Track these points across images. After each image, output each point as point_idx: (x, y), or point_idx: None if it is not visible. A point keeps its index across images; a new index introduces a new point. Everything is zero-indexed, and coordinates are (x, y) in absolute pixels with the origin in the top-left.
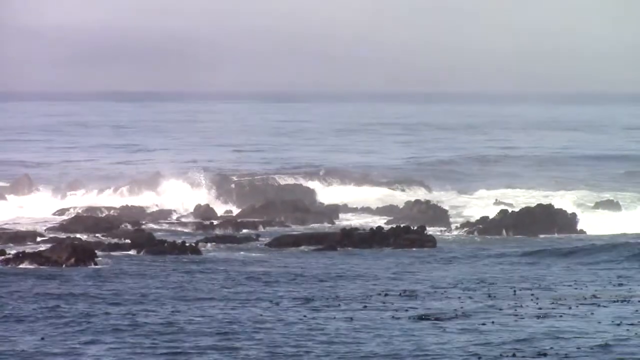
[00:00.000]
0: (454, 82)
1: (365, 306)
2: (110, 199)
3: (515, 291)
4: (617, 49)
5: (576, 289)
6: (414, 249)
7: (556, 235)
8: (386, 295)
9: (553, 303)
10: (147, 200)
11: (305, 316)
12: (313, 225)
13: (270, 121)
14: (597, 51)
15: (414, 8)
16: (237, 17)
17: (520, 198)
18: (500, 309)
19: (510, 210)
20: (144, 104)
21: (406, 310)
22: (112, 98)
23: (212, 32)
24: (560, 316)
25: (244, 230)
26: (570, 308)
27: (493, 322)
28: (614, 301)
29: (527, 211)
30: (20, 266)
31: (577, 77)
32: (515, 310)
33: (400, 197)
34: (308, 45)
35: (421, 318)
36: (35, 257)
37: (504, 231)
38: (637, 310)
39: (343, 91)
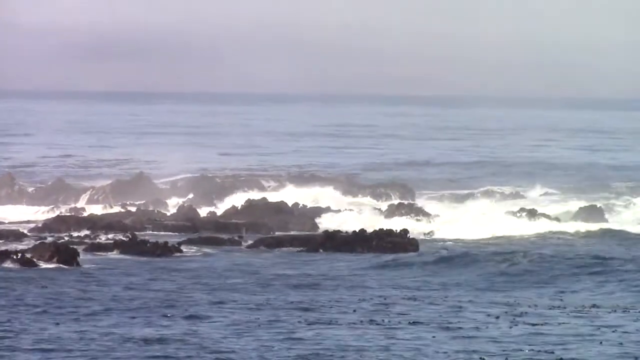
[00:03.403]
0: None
1: (355, 310)
2: (94, 199)
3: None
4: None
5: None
6: (396, 252)
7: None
8: (373, 300)
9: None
10: (131, 200)
11: (300, 321)
12: (296, 227)
13: (260, 122)
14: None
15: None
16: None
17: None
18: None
19: (493, 214)
20: (136, 104)
21: (389, 315)
22: (106, 98)
23: (212, 29)
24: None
25: (227, 232)
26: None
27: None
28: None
29: (508, 215)
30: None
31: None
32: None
33: (384, 200)
34: (308, 45)
35: (412, 324)
36: (17, 255)
37: (483, 235)
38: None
39: (341, 93)
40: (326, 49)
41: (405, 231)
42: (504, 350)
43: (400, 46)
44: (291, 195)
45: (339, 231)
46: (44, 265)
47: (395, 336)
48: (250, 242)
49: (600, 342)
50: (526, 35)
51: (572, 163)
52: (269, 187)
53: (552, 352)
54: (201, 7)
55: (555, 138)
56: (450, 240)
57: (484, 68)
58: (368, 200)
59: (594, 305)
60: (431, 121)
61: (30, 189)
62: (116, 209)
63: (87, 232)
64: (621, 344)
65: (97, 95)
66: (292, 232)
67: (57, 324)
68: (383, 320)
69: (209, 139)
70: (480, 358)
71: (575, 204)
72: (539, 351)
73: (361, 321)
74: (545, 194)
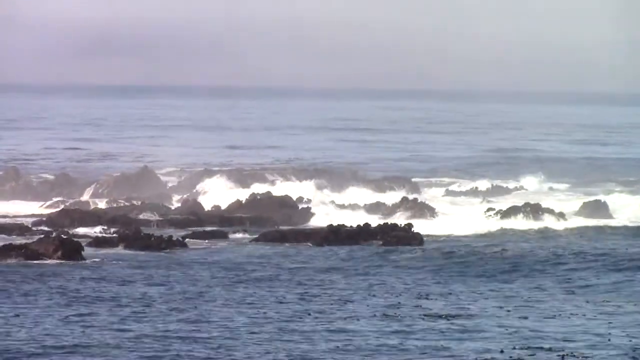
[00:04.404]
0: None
1: (368, 305)
2: (98, 193)
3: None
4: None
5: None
6: (401, 247)
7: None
8: (373, 295)
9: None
10: (135, 194)
11: (309, 313)
12: (300, 221)
13: (264, 117)
14: None
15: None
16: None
17: (509, 196)
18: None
19: (497, 208)
20: (140, 98)
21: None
22: (108, 92)
23: (212, 23)
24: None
25: (231, 226)
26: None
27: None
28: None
29: (512, 210)
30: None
31: None
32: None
33: (388, 194)
34: (309, 39)
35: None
36: (21, 249)
37: (487, 229)
38: None
39: (342, 87)
40: (328, 45)
41: (409, 225)
42: (514, 348)
43: (401, 44)
44: (295, 189)
45: (343, 225)
46: (48, 259)
47: (410, 331)
48: (255, 235)
49: (609, 340)
50: (525, 33)
51: (576, 157)
52: (273, 181)
53: (562, 349)
54: (203, 3)
55: (559, 132)
56: (455, 235)
57: (484, 65)
58: (373, 194)
59: (604, 300)
60: (434, 115)
61: (35, 183)
62: (121, 202)
63: (91, 225)
64: (630, 340)
65: (99, 89)
66: (297, 226)
67: (66, 317)
68: (395, 314)
69: (213, 132)
70: (492, 358)
71: (579, 199)
72: (549, 348)
73: (375, 315)
74: (550, 188)
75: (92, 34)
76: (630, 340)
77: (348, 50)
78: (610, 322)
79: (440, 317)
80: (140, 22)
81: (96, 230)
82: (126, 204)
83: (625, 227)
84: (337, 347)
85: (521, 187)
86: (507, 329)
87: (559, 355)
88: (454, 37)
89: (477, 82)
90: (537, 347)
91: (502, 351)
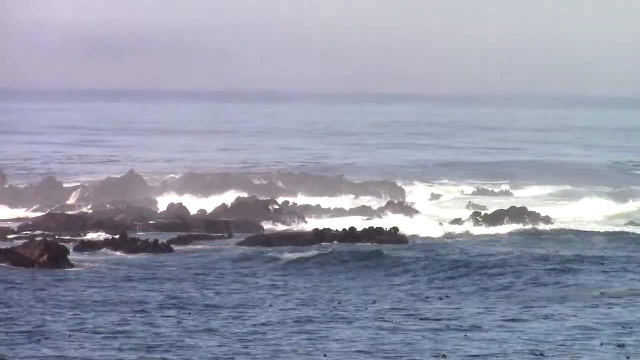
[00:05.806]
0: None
1: (367, 308)
2: (84, 197)
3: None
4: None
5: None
6: (387, 250)
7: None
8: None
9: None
10: (121, 198)
11: (310, 321)
12: (286, 225)
13: (259, 121)
14: None
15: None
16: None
17: (494, 199)
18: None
19: (482, 212)
20: (136, 102)
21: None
22: (104, 96)
23: (212, 28)
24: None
25: (217, 230)
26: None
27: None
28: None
29: (498, 214)
30: None
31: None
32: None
33: (374, 198)
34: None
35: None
36: (7, 253)
37: (473, 233)
38: None
39: (338, 91)
40: (329, 47)
41: (395, 229)
42: (505, 354)
43: (403, 44)
44: (281, 193)
45: (329, 229)
46: (34, 263)
47: (403, 335)
48: (241, 239)
49: (601, 344)
50: (529, 33)
51: (565, 162)
52: (259, 185)
53: (559, 350)
54: (203, 6)
55: (552, 136)
56: (441, 239)
57: (487, 66)
58: (358, 198)
59: (601, 293)
60: (428, 119)
61: (21, 187)
62: (107, 207)
63: (77, 230)
64: (620, 339)
65: (95, 93)
66: (282, 230)
67: (53, 321)
68: (389, 318)
69: (202, 136)
70: None
71: (566, 203)
72: (545, 351)
73: (368, 318)
74: (538, 192)
75: (90, 37)
76: (620, 339)
77: (348, 53)
78: (607, 323)
79: (433, 320)
80: (139, 26)
81: (81, 233)
82: (112, 208)
83: (610, 232)
84: (334, 351)
85: (507, 191)
86: (502, 332)
87: (553, 358)
88: (456, 37)
89: (479, 84)
90: (533, 349)
91: (497, 357)
